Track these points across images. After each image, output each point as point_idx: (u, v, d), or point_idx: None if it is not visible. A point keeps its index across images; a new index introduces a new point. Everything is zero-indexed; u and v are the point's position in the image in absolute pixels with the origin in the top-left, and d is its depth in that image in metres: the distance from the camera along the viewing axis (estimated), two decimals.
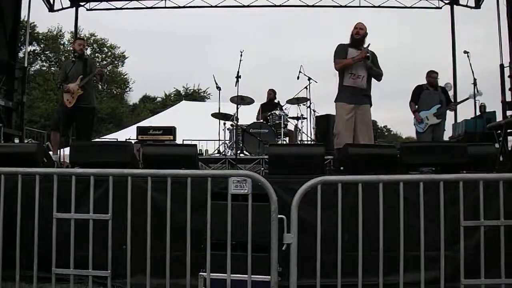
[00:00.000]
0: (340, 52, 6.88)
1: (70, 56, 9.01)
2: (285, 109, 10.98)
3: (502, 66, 10.50)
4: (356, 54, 6.74)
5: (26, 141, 11.64)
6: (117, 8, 14.02)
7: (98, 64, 10.24)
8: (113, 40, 41.00)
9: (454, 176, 3.91)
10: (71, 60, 8.14)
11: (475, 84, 8.42)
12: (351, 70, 6.78)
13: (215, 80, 10.52)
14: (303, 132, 11.02)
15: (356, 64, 6.75)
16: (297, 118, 10.93)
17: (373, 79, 6.89)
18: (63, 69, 8.27)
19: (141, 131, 11.44)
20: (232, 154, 9.77)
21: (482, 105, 9.78)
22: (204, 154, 11.31)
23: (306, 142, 10.94)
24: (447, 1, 13.43)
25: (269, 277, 3.48)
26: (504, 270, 3.48)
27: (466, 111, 9.93)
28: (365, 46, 6.75)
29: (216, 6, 13.96)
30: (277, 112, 10.48)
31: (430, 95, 8.95)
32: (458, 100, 9.60)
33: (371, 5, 13.70)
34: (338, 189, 3.55)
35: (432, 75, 9.06)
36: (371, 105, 6.88)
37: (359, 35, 6.81)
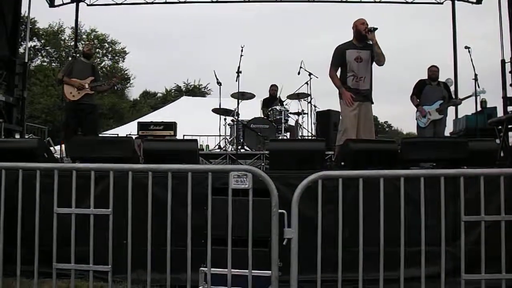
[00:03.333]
0: (337, 57, 6.83)
1: (76, 54, 9.23)
2: (286, 104, 10.98)
3: (503, 62, 10.47)
4: (356, 55, 6.70)
5: (27, 136, 11.64)
6: (117, 4, 13.99)
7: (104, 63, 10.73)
8: (113, 36, 41.03)
9: (455, 171, 3.90)
10: (79, 59, 8.60)
11: (476, 79, 8.42)
12: (353, 73, 6.73)
13: (215, 76, 10.53)
14: (303, 128, 11.02)
15: (359, 65, 6.69)
16: (298, 114, 10.93)
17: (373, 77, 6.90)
18: (70, 63, 8.64)
19: (142, 126, 11.45)
20: (232, 149, 9.78)
21: (483, 100, 9.76)
22: (204, 150, 11.31)
23: (306, 138, 10.94)
24: None
25: (270, 272, 3.48)
26: (505, 266, 3.49)
27: (467, 107, 9.93)
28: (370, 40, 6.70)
29: (217, 2, 13.93)
30: (278, 107, 10.48)
31: (432, 90, 8.96)
32: (461, 97, 9.59)
33: (372, 0, 13.67)
34: (339, 184, 3.55)
35: (431, 69, 9.10)
36: (372, 103, 6.88)
37: (365, 29, 6.64)
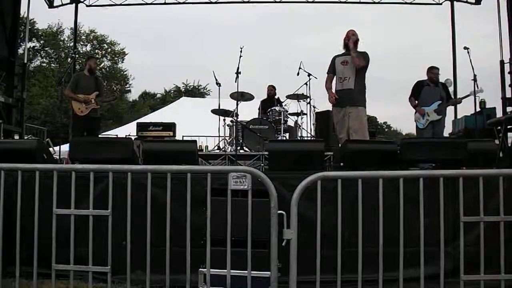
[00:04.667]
0: (330, 65, 7.36)
1: (75, 55, 9.38)
2: (285, 105, 10.98)
3: (502, 62, 10.47)
4: (342, 59, 7.16)
5: (26, 137, 11.64)
6: (116, 4, 13.98)
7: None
8: (112, 37, 41.01)
9: (454, 172, 3.90)
10: (83, 73, 8.99)
11: (475, 80, 8.40)
12: (338, 75, 7.17)
13: (215, 76, 10.53)
14: (303, 128, 11.02)
15: (344, 67, 7.10)
16: (297, 114, 10.92)
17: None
18: (75, 79, 8.90)
19: (141, 127, 11.44)
20: (232, 150, 9.77)
21: (482, 101, 9.76)
22: (204, 150, 11.30)
23: (306, 138, 10.94)
24: None
25: (269, 273, 3.48)
26: (504, 266, 3.49)
27: (466, 107, 9.95)
28: (355, 50, 7.09)
29: (216, 2, 13.94)
30: (277, 108, 10.48)
31: (430, 91, 8.93)
32: (459, 97, 9.57)
33: (371, 1, 13.69)
34: (338, 185, 3.55)
35: (433, 71, 9.02)
36: (364, 106, 7.09)
37: (348, 39, 7.15)
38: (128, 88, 41.83)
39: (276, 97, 11.50)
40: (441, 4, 13.53)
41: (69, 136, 8.88)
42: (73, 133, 8.54)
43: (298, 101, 10.82)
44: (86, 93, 8.55)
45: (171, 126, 11.30)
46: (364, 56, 7.07)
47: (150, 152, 5.72)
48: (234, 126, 10.18)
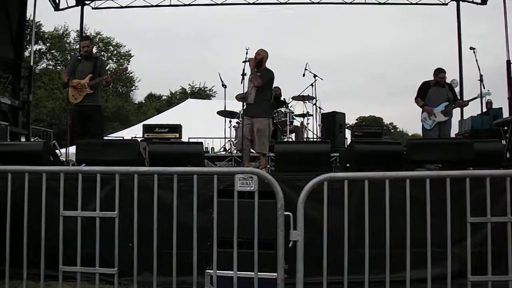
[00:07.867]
0: None
1: (78, 53, 8.98)
2: (291, 106, 10.97)
3: (508, 62, 10.44)
4: (250, 77, 7.87)
5: (32, 139, 11.68)
6: (122, 7, 14.00)
7: (109, 66, 10.36)
8: (118, 39, 41.11)
9: (460, 172, 3.89)
10: (78, 57, 8.20)
11: (481, 80, 8.35)
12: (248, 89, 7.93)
13: (220, 78, 10.54)
14: (309, 129, 11.00)
15: (249, 83, 7.87)
16: (303, 115, 10.91)
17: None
18: (72, 64, 8.32)
19: (147, 129, 11.45)
20: (238, 151, 9.76)
21: (489, 101, 9.69)
22: (210, 152, 11.31)
23: (312, 139, 10.92)
24: None
25: (276, 274, 3.48)
26: (511, 267, 3.47)
27: (472, 108, 9.88)
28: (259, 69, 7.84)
29: (221, 4, 13.95)
30: (283, 109, 10.47)
31: (437, 92, 8.85)
32: (466, 99, 9.51)
33: (376, 2, 13.65)
34: (344, 186, 3.54)
35: (440, 75, 8.86)
36: (265, 117, 7.80)
37: (256, 59, 7.86)
38: (135, 86, 42.00)
39: (281, 98, 11.50)
40: (447, 4, 13.48)
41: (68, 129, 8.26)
42: (73, 126, 7.99)
43: (304, 102, 10.79)
44: (80, 78, 7.79)
45: (177, 128, 11.31)
46: (262, 76, 7.72)
47: (156, 154, 5.73)
48: (240, 128, 10.18)
